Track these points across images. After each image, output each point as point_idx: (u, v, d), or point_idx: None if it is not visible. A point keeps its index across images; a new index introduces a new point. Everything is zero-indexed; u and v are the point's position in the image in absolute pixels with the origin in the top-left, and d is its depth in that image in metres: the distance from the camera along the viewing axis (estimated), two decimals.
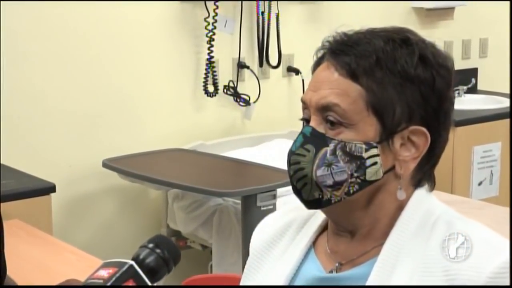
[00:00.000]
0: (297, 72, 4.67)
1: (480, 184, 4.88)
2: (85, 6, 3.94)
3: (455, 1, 5.36)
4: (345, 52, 1.42)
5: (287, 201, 3.57)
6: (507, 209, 3.61)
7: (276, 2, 4.45)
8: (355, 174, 1.40)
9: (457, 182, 4.74)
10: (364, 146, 1.40)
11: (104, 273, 1.28)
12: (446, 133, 1.47)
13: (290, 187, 1.47)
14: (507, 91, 5.37)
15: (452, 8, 5.41)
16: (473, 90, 5.42)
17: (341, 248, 1.48)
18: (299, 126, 1.47)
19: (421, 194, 1.46)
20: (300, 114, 1.48)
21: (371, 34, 1.44)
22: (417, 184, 1.47)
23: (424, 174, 1.47)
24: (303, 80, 4.58)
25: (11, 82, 3.76)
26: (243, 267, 3.67)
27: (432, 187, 1.49)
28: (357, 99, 1.40)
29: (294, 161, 1.43)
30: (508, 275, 1.33)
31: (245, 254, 3.48)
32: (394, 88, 1.40)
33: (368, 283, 1.40)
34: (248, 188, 3.51)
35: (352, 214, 1.45)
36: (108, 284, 1.27)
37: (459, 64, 5.22)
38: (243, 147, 4.35)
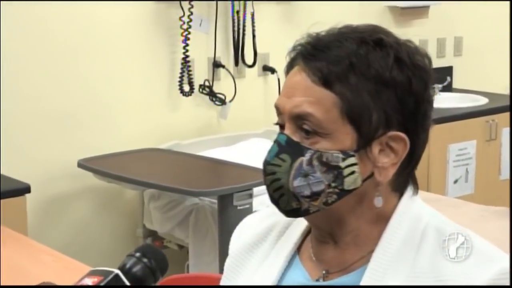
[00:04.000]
0: (272, 71, 4.66)
1: (455, 182, 4.90)
2: (58, 5, 3.91)
3: (430, 0, 5.38)
4: (317, 57, 1.36)
5: (264, 201, 3.56)
6: (482, 207, 3.62)
7: (251, 1, 4.44)
8: (333, 184, 1.35)
9: (433, 180, 4.76)
10: (341, 156, 1.34)
11: (89, 281, 1.26)
12: (425, 134, 1.41)
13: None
14: (482, 89, 5.40)
15: (427, 7, 5.43)
16: (448, 88, 5.44)
17: (327, 256, 1.44)
18: (275, 126, 1.44)
19: (406, 201, 1.42)
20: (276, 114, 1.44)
21: (343, 36, 1.37)
22: (397, 189, 1.42)
23: (405, 178, 1.43)
24: (278, 79, 4.57)
25: None
26: (220, 267, 3.63)
27: (416, 190, 1.45)
28: (332, 108, 1.34)
29: (270, 171, 1.38)
30: (504, 284, 1.31)
31: (222, 253, 3.49)
32: (369, 94, 1.34)
33: None
34: (224, 188, 3.51)
35: (333, 221, 1.41)
36: None
37: (434, 62, 5.22)
38: (219, 146, 4.34)
